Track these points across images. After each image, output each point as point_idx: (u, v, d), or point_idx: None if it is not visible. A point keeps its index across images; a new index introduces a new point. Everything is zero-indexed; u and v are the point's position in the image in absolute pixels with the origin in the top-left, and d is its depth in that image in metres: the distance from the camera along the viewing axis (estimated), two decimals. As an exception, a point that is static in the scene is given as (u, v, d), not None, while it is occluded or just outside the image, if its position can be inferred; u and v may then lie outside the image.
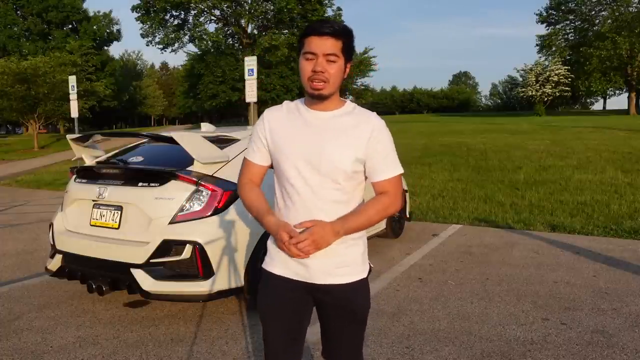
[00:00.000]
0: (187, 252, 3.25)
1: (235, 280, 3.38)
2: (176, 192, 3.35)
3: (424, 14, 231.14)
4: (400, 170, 1.67)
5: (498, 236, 6.11)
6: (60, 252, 3.70)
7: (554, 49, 47.13)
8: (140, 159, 3.92)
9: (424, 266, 4.82)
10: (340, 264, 1.62)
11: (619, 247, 5.51)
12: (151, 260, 3.26)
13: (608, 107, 67.30)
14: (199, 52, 42.38)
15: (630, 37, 38.65)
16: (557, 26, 47.34)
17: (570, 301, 3.83)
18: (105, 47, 53.56)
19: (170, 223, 3.30)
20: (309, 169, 1.56)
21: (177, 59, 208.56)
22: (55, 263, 3.75)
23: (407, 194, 6.29)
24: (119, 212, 3.48)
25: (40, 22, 46.87)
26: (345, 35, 1.53)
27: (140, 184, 3.46)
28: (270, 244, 1.71)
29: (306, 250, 1.51)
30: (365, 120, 1.62)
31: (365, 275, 1.69)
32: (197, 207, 3.34)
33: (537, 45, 48.84)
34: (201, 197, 3.35)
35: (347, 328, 1.68)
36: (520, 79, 51.10)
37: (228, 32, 41.76)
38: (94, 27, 50.23)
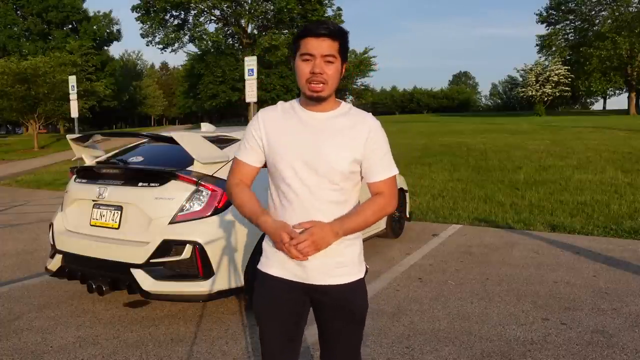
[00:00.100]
0: (187, 252, 3.25)
1: (235, 280, 3.38)
2: (176, 192, 3.35)
3: (424, 14, 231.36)
4: (396, 171, 1.68)
5: (498, 236, 6.11)
6: (60, 252, 3.70)
7: (554, 49, 47.12)
8: (140, 159, 3.92)
9: (424, 266, 4.82)
10: (338, 264, 1.62)
11: (619, 247, 5.51)
12: (151, 260, 3.26)
13: (608, 107, 67.34)
14: (199, 52, 42.42)
15: (630, 37, 38.64)
16: (557, 26, 47.34)
17: (570, 301, 3.83)
18: (105, 47, 53.57)
19: (170, 223, 3.30)
20: (306, 169, 1.56)
21: (177, 59, 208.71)
22: (55, 263, 3.75)
23: (407, 194, 6.29)
24: (119, 212, 3.48)
25: (40, 22, 46.87)
26: (341, 36, 1.53)
27: (140, 184, 3.46)
28: (265, 244, 1.69)
29: (306, 252, 1.50)
30: (362, 121, 1.62)
31: (362, 276, 1.69)
32: (197, 207, 3.34)
33: (537, 45, 48.88)
34: (201, 197, 3.35)
35: (345, 329, 1.67)
36: (520, 79, 51.08)
37: (228, 32, 41.78)
38: (94, 27, 50.24)
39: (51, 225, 3.95)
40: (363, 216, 1.59)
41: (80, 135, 4.15)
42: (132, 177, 3.57)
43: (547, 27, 47.61)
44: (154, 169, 3.59)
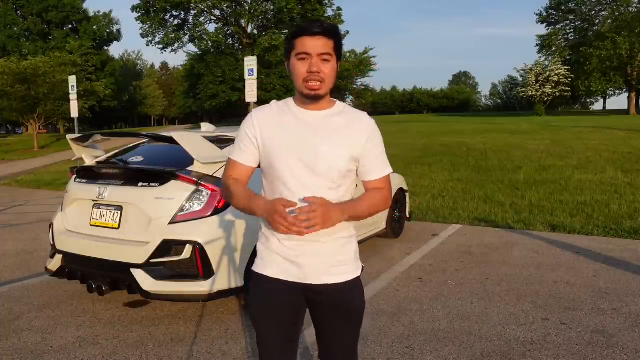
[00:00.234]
0: (187, 252, 3.25)
1: (235, 280, 3.38)
2: (176, 192, 3.35)
3: (424, 14, 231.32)
4: (390, 170, 1.70)
5: (498, 236, 6.11)
6: (60, 252, 3.70)
7: (554, 49, 47.10)
8: (140, 159, 3.92)
9: (424, 266, 4.82)
10: (336, 262, 1.61)
11: (619, 247, 5.51)
12: (151, 260, 3.26)
13: (608, 107, 67.31)
14: (199, 52, 42.42)
15: (630, 37, 38.63)
16: (557, 26, 47.32)
17: (570, 301, 3.83)
18: (105, 47, 53.58)
19: (170, 223, 3.30)
20: (303, 168, 1.55)
21: (177, 59, 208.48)
22: (55, 263, 3.75)
23: (407, 194, 6.29)
24: (119, 212, 3.48)
25: (40, 22, 46.88)
26: (336, 34, 1.54)
27: (140, 184, 3.46)
28: (260, 245, 1.68)
29: (314, 223, 1.43)
30: (359, 120, 1.63)
31: (359, 274, 1.68)
32: (197, 207, 3.34)
33: (537, 45, 48.86)
34: (201, 197, 3.35)
35: (342, 328, 1.67)
36: (520, 79, 51.04)
37: (228, 32, 41.80)
38: (94, 27, 50.24)
39: (51, 225, 3.95)
40: (366, 204, 1.61)
41: (80, 135, 4.15)
42: (132, 177, 3.57)
43: (547, 27, 47.61)
44: (154, 169, 3.59)
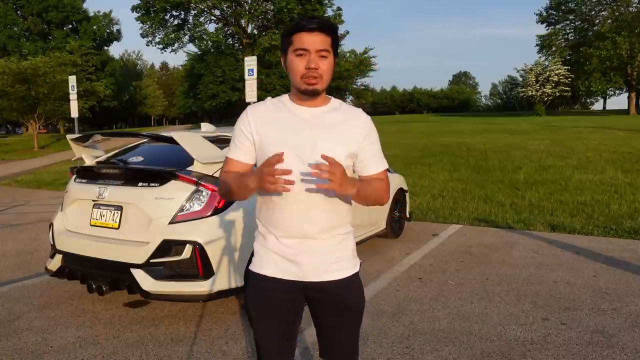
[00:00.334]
0: (187, 252, 3.25)
1: (235, 280, 3.38)
2: (176, 192, 3.35)
3: (424, 14, 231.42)
4: (387, 165, 1.72)
5: (498, 236, 6.11)
6: (60, 252, 3.70)
7: (554, 49, 47.09)
8: (140, 159, 3.92)
9: (424, 266, 4.82)
10: (335, 259, 1.61)
11: (619, 247, 5.51)
12: (151, 260, 3.26)
13: (608, 107, 67.32)
14: (199, 52, 42.40)
15: (630, 37, 38.63)
16: (557, 26, 47.31)
17: (570, 301, 3.83)
18: (105, 47, 53.59)
19: (170, 223, 3.30)
20: (301, 164, 1.54)
21: (177, 59, 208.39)
22: (55, 263, 3.75)
23: (407, 194, 6.29)
24: (119, 212, 3.48)
25: (40, 22, 46.88)
26: (333, 30, 1.54)
27: (140, 184, 3.46)
28: (257, 245, 1.68)
29: (334, 179, 1.39)
30: (355, 116, 1.64)
31: (357, 270, 1.68)
32: (197, 207, 3.34)
33: (537, 45, 48.84)
34: (201, 197, 3.35)
35: (341, 324, 1.66)
36: (520, 79, 51.03)
37: (228, 32, 41.80)
38: (94, 27, 50.25)
39: (51, 225, 3.95)
40: (371, 186, 1.61)
41: (80, 135, 4.15)
42: (132, 177, 3.57)
43: (547, 27, 47.60)
44: (154, 169, 3.59)
